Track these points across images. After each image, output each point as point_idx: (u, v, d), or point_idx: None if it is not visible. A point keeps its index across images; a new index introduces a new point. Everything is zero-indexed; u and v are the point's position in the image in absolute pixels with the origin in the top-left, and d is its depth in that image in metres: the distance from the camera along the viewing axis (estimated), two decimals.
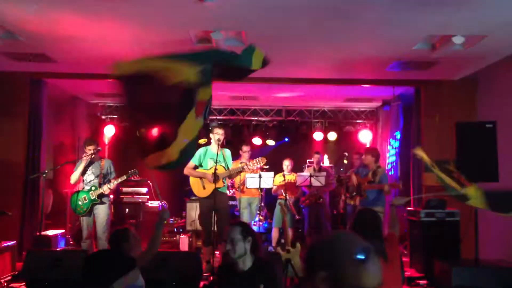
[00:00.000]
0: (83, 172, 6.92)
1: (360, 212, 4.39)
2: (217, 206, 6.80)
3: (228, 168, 7.00)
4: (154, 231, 4.27)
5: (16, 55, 7.16)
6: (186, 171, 7.02)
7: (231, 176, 7.36)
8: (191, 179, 7.03)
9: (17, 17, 5.63)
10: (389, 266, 3.71)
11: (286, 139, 11.36)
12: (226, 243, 3.54)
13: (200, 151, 7.07)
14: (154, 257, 4.41)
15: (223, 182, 6.96)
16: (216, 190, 6.73)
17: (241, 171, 7.28)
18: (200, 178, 6.93)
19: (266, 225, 9.21)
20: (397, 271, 3.94)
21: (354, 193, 7.57)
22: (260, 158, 7.30)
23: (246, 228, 3.60)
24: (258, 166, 7.34)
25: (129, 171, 7.03)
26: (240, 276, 3.49)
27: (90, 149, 6.91)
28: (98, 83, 9.00)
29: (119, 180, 6.97)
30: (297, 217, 8.86)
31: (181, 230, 9.47)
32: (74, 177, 6.92)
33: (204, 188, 6.89)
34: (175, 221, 9.90)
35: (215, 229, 6.68)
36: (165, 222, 4.26)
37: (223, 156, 6.99)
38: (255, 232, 3.69)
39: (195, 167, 7.01)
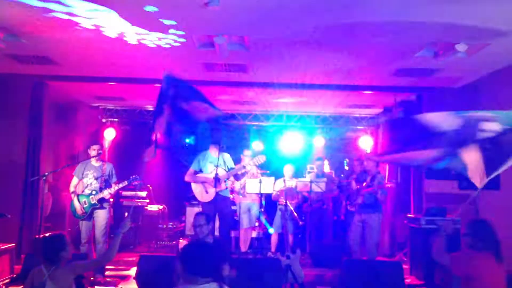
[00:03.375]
0: (83, 175, 6.90)
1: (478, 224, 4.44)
2: (219, 211, 6.79)
3: (229, 170, 6.99)
4: (112, 240, 4.30)
5: (18, 57, 7.15)
6: (187, 178, 7.01)
7: (238, 177, 7.33)
8: (193, 185, 7.01)
9: (21, 19, 5.63)
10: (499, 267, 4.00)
11: None
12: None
13: (199, 156, 7.07)
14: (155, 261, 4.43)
15: (226, 185, 6.93)
16: (218, 194, 6.72)
17: (244, 170, 7.23)
18: (202, 183, 6.91)
19: (265, 231, 9.19)
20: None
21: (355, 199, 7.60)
22: (260, 155, 7.29)
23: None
24: (260, 162, 7.32)
25: (131, 177, 7.01)
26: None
27: (94, 149, 6.90)
28: (99, 86, 9.02)
29: (120, 185, 6.95)
30: (301, 223, 8.83)
31: (179, 235, 9.44)
32: (72, 184, 6.95)
33: (207, 192, 6.87)
34: (174, 226, 9.90)
35: (217, 233, 6.66)
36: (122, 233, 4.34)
37: (223, 160, 6.99)
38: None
39: (195, 173, 7.00)
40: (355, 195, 7.66)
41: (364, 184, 7.59)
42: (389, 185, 7.57)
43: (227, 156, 7.14)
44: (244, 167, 7.15)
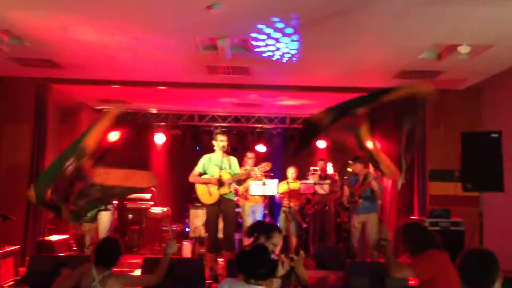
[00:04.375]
0: None
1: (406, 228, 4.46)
2: (224, 212, 6.79)
3: (234, 174, 6.98)
4: (162, 260, 4.46)
5: (22, 60, 7.19)
6: (191, 178, 7.00)
7: (240, 182, 7.33)
8: (197, 186, 7.01)
9: (24, 23, 5.66)
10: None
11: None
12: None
13: (204, 158, 7.05)
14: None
15: (230, 189, 6.92)
16: (222, 196, 6.73)
17: (248, 177, 7.22)
18: (206, 184, 6.91)
19: None
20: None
21: (348, 205, 7.61)
22: (266, 163, 7.28)
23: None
24: (263, 170, 7.32)
25: None
26: None
27: None
28: (103, 89, 9.04)
29: None
30: (304, 225, 8.83)
31: (183, 237, 9.45)
32: None
33: (210, 194, 6.87)
34: (178, 228, 9.90)
35: (221, 235, 6.67)
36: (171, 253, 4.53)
37: (229, 163, 6.98)
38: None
39: (200, 175, 6.99)
40: (350, 199, 7.66)
41: (357, 186, 7.59)
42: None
43: (233, 160, 7.12)
44: (249, 174, 7.11)
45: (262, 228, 4.30)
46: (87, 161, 4.59)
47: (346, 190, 7.69)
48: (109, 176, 4.73)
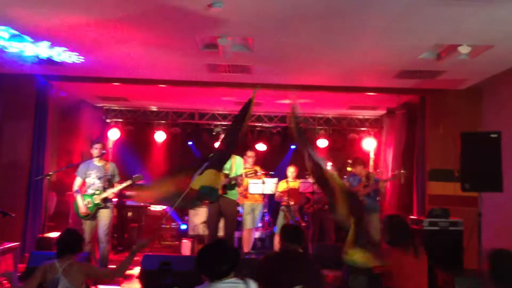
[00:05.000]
0: (86, 175, 6.92)
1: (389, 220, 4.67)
2: (224, 211, 6.79)
3: (235, 175, 6.93)
4: (128, 256, 4.36)
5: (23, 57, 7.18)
6: None
7: (237, 184, 7.27)
8: None
9: (26, 20, 5.67)
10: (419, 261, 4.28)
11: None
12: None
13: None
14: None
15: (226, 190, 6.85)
16: (223, 196, 6.71)
17: (241, 179, 7.16)
18: None
19: (268, 232, 9.21)
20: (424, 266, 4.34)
21: None
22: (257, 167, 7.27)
23: None
24: (258, 174, 7.32)
25: (133, 176, 7.02)
26: None
27: (97, 147, 6.92)
28: (103, 86, 9.05)
29: (124, 185, 6.97)
30: (303, 224, 8.83)
31: (182, 235, 9.47)
32: (76, 184, 6.98)
33: None
34: (177, 226, 9.93)
35: (222, 234, 6.67)
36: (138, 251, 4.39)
37: (230, 163, 6.92)
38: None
39: None
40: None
41: (360, 186, 7.60)
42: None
43: (238, 160, 7.06)
44: (241, 175, 7.03)
45: None
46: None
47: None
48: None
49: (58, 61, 7.11)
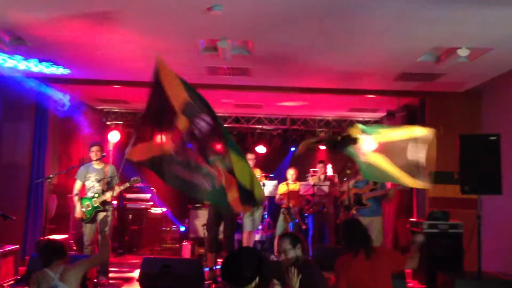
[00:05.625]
0: (85, 178, 6.93)
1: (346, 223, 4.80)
2: (224, 214, 6.81)
3: None
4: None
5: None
6: None
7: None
8: None
9: (26, 23, 5.69)
10: (372, 263, 4.21)
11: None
12: (280, 253, 4.03)
13: None
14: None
15: None
16: None
17: None
18: None
19: (269, 234, 9.22)
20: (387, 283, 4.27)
21: (353, 204, 7.59)
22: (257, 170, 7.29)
23: (294, 238, 4.06)
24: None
25: (132, 179, 7.03)
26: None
27: (93, 150, 6.92)
28: (103, 89, 9.06)
29: (122, 187, 6.99)
30: (303, 226, 8.84)
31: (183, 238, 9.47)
32: (76, 188, 6.99)
33: None
34: (176, 228, 9.95)
35: (221, 236, 6.69)
36: None
37: None
38: (302, 238, 4.13)
39: None
40: (356, 200, 7.65)
41: (367, 189, 7.59)
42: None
43: None
44: None
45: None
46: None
47: (350, 191, 7.65)
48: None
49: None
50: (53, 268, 4.10)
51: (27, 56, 6.78)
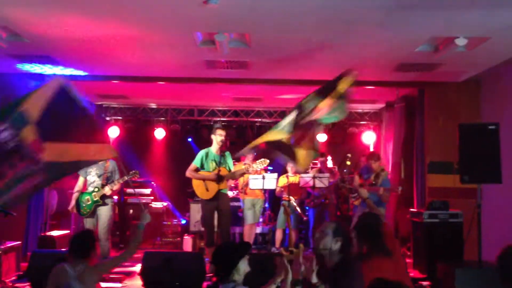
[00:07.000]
0: (87, 173, 6.95)
1: (361, 217, 4.45)
2: (219, 207, 6.83)
3: (230, 170, 7.05)
4: (136, 232, 4.31)
5: (21, 56, 7.20)
6: (188, 173, 7.05)
7: (234, 177, 7.38)
8: (194, 182, 7.04)
9: (23, 19, 5.68)
10: (393, 259, 3.88)
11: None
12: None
13: (202, 153, 7.10)
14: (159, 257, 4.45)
15: (226, 184, 6.99)
16: (219, 191, 6.77)
17: (244, 173, 7.30)
18: (203, 180, 6.96)
19: (270, 226, 9.24)
20: (400, 262, 4.03)
21: (356, 194, 7.59)
22: (263, 159, 7.28)
23: (339, 229, 3.62)
24: (262, 167, 7.35)
25: (130, 172, 7.04)
26: (324, 269, 3.49)
27: None
28: (102, 84, 9.06)
29: (120, 180, 7.00)
30: (304, 218, 8.86)
31: (184, 231, 9.50)
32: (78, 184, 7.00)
33: (207, 190, 6.91)
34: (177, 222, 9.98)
35: (218, 230, 6.71)
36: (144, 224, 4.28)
37: (224, 158, 7.06)
38: (348, 235, 3.67)
39: (197, 170, 7.04)
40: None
41: (367, 182, 7.58)
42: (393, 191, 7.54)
43: (227, 155, 7.18)
44: (246, 170, 7.15)
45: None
46: (30, 132, 3.85)
47: (357, 179, 7.63)
48: (60, 152, 4.01)
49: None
50: (74, 264, 3.87)
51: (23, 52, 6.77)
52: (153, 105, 11.17)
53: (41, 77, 8.21)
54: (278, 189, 8.73)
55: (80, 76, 8.28)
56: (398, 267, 3.92)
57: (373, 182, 7.42)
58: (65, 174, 4.51)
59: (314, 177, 8.46)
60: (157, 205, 10.30)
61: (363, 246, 4.03)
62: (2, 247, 6.39)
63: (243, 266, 3.40)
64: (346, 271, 3.43)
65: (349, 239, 3.60)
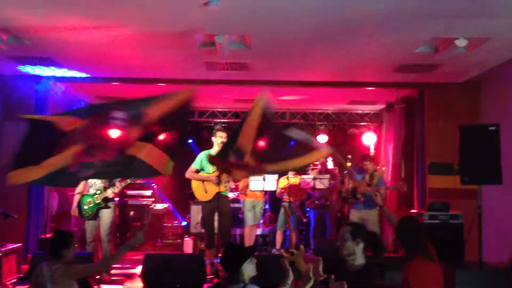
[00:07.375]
0: None
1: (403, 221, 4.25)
2: (219, 209, 6.83)
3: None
4: (119, 249, 4.25)
5: (21, 58, 7.21)
6: (188, 174, 7.06)
7: (235, 179, 7.37)
8: (193, 183, 7.05)
9: (23, 21, 5.68)
10: (436, 264, 3.84)
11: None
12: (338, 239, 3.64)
13: (202, 155, 7.10)
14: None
15: (225, 186, 6.98)
16: (218, 193, 6.77)
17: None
18: (203, 181, 6.96)
19: (271, 228, 9.24)
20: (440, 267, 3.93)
21: (350, 196, 7.61)
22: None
23: (357, 229, 3.62)
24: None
25: None
26: (348, 274, 3.45)
27: None
28: (102, 86, 9.06)
29: (123, 183, 7.00)
30: (304, 220, 8.86)
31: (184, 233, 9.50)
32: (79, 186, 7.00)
33: (206, 191, 6.92)
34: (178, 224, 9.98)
35: (218, 232, 6.71)
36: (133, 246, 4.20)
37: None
38: (370, 236, 3.67)
39: (197, 171, 7.04)
40: (351, 193, 7.66)
41: (364, 183, 7.60)
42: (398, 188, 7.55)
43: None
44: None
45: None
46: (136, 131, 4.14)
47: (350, 183, 7.66)
48: (141, 151, 4.24)
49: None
50: (50, 264, 3.92)
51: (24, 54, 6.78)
52: None
53: (41, 79, 8.23)
54: (278, 190, 8.74)
55: (80, 78, 8.28)
56: (441, 273, 3.86)
57: (369, 183, 7.46)
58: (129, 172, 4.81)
59: (314, 179, 8.47)
60: (158, 206, 10.30)
61: (406, 251, 3.97)
62: (3, 249, 6.39)
63: (250, 268, 3.40)
64: (369, 274, 3.43)
65: (371, 237, 3.60)
